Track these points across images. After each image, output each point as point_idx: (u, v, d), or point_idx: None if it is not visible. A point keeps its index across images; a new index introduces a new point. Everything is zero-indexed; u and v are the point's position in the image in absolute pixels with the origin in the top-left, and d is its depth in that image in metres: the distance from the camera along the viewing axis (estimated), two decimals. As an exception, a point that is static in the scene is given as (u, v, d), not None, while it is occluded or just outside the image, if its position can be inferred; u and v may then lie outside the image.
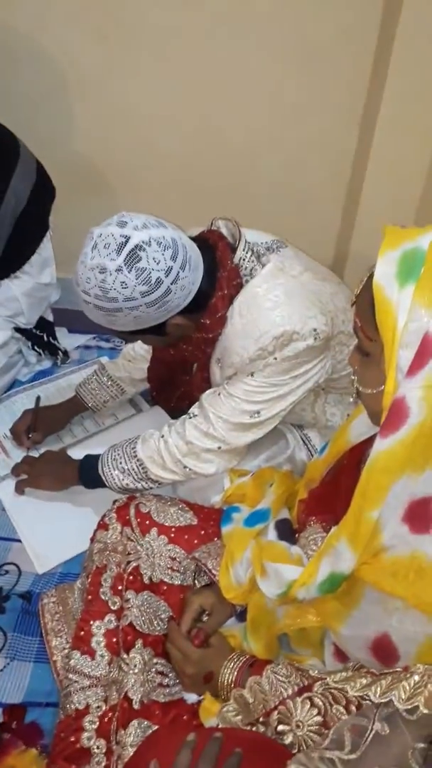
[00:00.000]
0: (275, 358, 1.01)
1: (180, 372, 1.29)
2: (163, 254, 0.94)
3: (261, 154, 1.74)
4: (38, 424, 1.45)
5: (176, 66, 1.60)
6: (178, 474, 1.15)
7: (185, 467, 1.13)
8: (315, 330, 1.01)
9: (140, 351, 1.44)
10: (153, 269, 0.94)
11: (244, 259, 1.05)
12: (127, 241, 0.93)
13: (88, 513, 1.30)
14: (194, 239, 1.05)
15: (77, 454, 1.30)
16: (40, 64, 1.62)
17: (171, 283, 0.96)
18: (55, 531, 1.31)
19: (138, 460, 1.15)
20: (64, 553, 1.28)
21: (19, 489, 1.35)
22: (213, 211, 1.17)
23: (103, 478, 1.18)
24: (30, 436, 1.44)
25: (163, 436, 1.15)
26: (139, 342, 1.45)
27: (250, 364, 1.03)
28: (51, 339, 1.74)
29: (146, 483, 1.17)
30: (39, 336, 1.70)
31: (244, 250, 1.05)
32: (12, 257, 1.53)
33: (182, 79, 1.63)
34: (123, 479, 1.16)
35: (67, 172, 1.77)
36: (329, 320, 1.05)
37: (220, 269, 1.04)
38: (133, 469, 1.15)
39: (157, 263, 0.94)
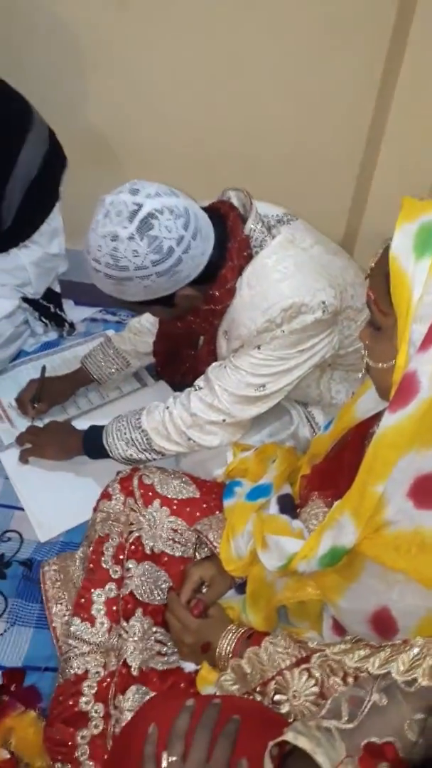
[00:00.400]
0: (283, 331, 1.01)
1: (186, 346, 1.28)
2: (175, 223, 0.93)
3: (273, 130, 1.71)
4: (43, 394, 1.45)
5: (193, 38, 1.57)
6: (182, 445, 1.15)
7: (189, 439, 1.13)
8: (324, 303, 1.00)
9: (146, 324, 1.44)
10: (165, 237, 0.93)
11: (254, 230, 1.03)
12: (139, 209, 0.92)
13: (90, 483, 1.30)
14: (205, 209, 1.04)
15: (82, 425, 1.30)
16: (56, 32, 1.58)
17: (182, 253, 0.95)
18: (57, 500, 1.31)
19: (142, 431, 1.15)
20: (65, 522, 1.29)
21: (23, 458, 1.36)
22: (224, 185, 1.16)
23: (107, 448, 1.18)
24: (35, 405, 1.44)
25: (167, 408, 1.14)
26: (146, 315, 1.44)
27: (257, 337, 1.02)
28: (58, 311, 1.74)
29: (150, 454, 1.17)
30: (46, 307, 1.69)
31: (254, 221, 1.04)
32: (22, 226, 1.51)
33: (198, 52, 1.60)
34: (127, 450, 1.16)
35: (79, 143, 1.74)
36: (338, 294, 1.04)
37: (230, 240, 1.02)
38: (138, 440, 1.15)
39: (169, 232, 0.93)
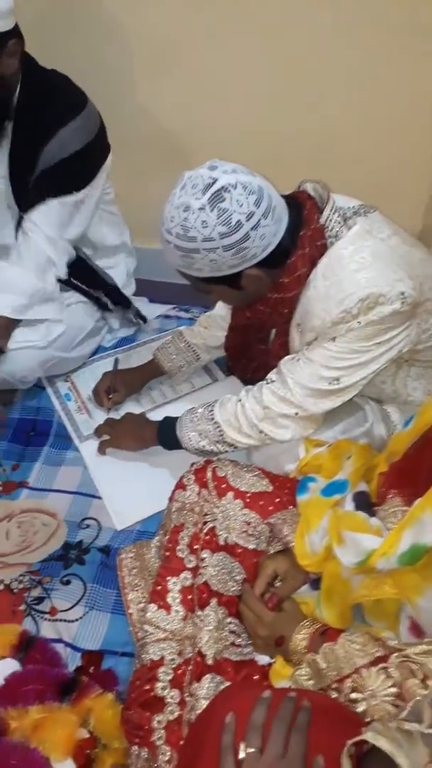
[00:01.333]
0: (359, 323, 0.99)
1: (256, 341, 1.28)
2: (247, 198, 0.94)
3: (346, 129, 1.68)
4: (117, 385, 1.50)
5: (265, 40, 1.56)
6: (254, 438, 1.15)
7: (261, 432, 1.13)
8: (402, 294, 0.98)
9: (217, 319, 1.45)
10: (235, 211, 0.93)
11: (330, 220, 1.02)
12: (214, 183, 0.94)
13: (165, 474, 1.33)
14: (282, 197, 1.03)
15: (155, 418, 1.33)
16: (131, 36, 1.62)
17: (251, 229, 0.95)
18: (133, 490, 1.35)
19: (215, 423, 1.16)
20: (141, 511, 1.32)
21: (101, 449, 1.40)
22: (294, 186, 1.15)
23: (181, 439, 1.20)
24: (110, 396, 1.49)
25: (240, 400, 1.15)
26: (217, 309, 1.46)
27: (332, 328, 1.01)
28: (115, 303, 1.71)
29: (222, 446, 1.18)
30: (85, 291, 1.65)
31: (331, 211, 1.02)
32: (28, 195, 1.46)
33: (270, 53, 1.59)
34: (199, 441, 1.18)
35: (149, 144, 1.78)
36: (417, 285, 1.01)
37: (304, 228, 1.01)
38: (210, 432, 1.17)
39: (240, 206, 0.94)
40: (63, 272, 1.47)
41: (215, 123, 1.74)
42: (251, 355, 1.35)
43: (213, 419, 1.17)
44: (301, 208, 1.03)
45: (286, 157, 1.74)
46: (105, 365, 1.67)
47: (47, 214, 1.40)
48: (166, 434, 1.24)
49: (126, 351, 1.73)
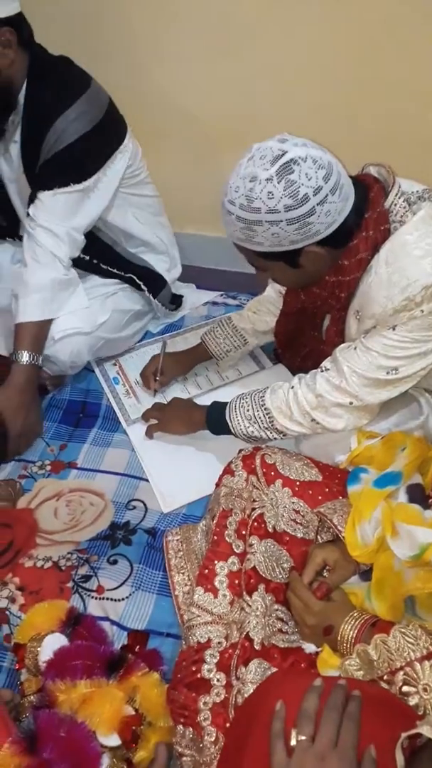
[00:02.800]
0: (422, 311, 0.96)
1: (309, 327, 1.26)
2: (316, 172, 0.92)
3: (409, 114, 1.63)
4: (164, 367, 1.51)
5: (331, 22, 1.52)
6: (305, 426, 1.14)
7: (313, 420, 1.12)
8: None
9: (266, 303, 1.44)
10: (303, 184, 0.92)
11: (395, 205, 0.99)
12: (283, 155, 0.92)
13: (212, 460, 1.33)
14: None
15: (202, 403, 1.33)
16: (190, 18, 1.61)
17: (317, 204, 0.93)
18: (180, 474, 1.36)
19: (266, 409, 1.15)
20: (188, 495, 1.33)
21: (149, 433, 1.42)
22: (354, 170, 1.13)
23: (230, 424, 1.20)
24: (157, 378, 1.50)
25: (292, 387, 1.14)
26: (267, 293, 1.44)
27: (393, 316, 0.98)
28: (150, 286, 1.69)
29: (271, 433, 1.17)
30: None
31: (396, 195, 1.00)
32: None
33: (331, 39, 1.56)
34: (248, 427, 1.17)
35: (205, 129, 1.77)
36: None
37: (369, 210, 0.99)
38: (260, 418, 1.16)
39: (309, 179, 0.92)
40: (67, 263, 1.44)
41: (271, 107, 1.72)
42: (302, 341, 1.33)
43: (264, 405, 1.16)
44: (368, 191, 1.01)
45: (346, 141, 1.70)
46: (152, 350, 1.68)
47: (48, 206, 1.37)
48: (215, 419, 1.24)
49: (173, 336, 1.73)
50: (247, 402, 1.19)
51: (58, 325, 1.44)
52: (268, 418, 1.16)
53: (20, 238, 1.54)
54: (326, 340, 1.19)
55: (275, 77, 1.66)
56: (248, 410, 1.18)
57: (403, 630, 0.82)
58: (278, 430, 1.16)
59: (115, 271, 1.60)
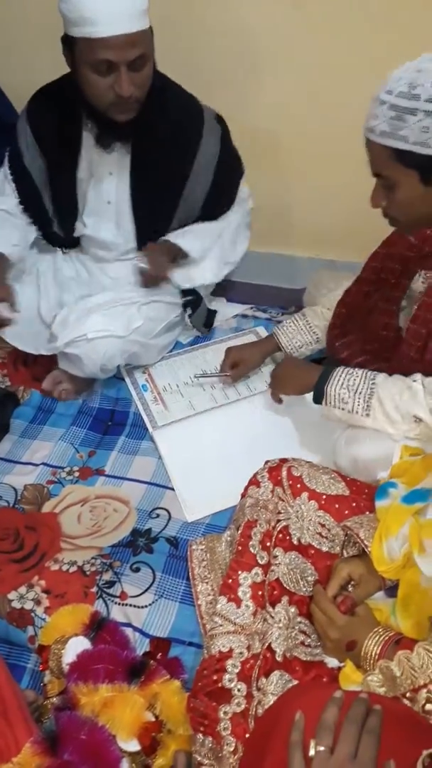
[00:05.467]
0: None
1: (381, 300, 1.24)
2: None
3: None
4: (238, 361, 1.55)
5: (374, 36, 1.54)
6: (398, 422, 1.11)
7: (416, 419, 1.09)
8: None
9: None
10: None
11: None
12: None
13: (238, 471, 1.32)
14: None
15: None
16: (229, 33, 1.64)
17: None
18: (206, 484, 1.37)
19: (374, 384, 1.13)
20: (212, 505, 1.33)
21: (275, 397, 1.45)
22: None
23: (328, 382, 1.18)
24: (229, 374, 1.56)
25: (415, 381, 1.11)
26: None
27: None
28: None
29: (358, 403, 1.14)
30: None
31: None
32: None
33: (369, 53, 1.57)
34: (341, 390, 1.16)
35: (250, 146, 1.79)
36: None
37: None
38: (361, 392, 1.14)
39: None
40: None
41: (310, 122, 1.74)
42: (362, 323, 1.29)
43: (373, 380, 1.14)
44: None
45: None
46: (182, 361, 1.70)
47: None
48: (321, 385, 1.21)
49: (203, 347, 1.75)
50: (357, 375, 1.17)
51: (92, 326, 1.47)
52: (370, 392, 1.13)
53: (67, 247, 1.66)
54: (408, 330, 1.15)
55: (311, 94, 1.68)
56: (356, 379, 1.16)
57: (427, 647, 0.81)
58: (367, 413, 1.14)
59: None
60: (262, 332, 1.76)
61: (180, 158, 1.49)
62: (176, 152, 1.48)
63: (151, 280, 1.57)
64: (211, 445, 1.43)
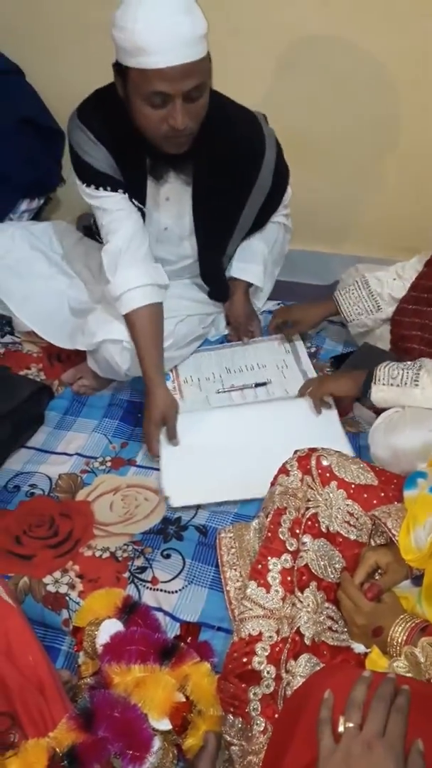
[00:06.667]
0: None
1: None
2: None
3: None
4: (293, 319, 1.60)
5: (402, 32, 1.54)
6: None
7: None
8: None
9: (411, 271, 1.44)
10: None
11: None
12: None
13: (233, 469, 1.36)
14: None
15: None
16: (259, 32, 1.66)
17: None
18: (194, 474, 1.39)
19: (422, 360, 1.18)
20: (196, 495, 1.36)
21: (318, 403, 1.45)
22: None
23: (378, 371, 1.22)
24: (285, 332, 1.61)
25: None
26: (413, 262, 1.44)
27: None
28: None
29: (410, 384, 1.17)
30: None
31: None
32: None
33: (394, 52, 1.57)
34: (393, 372, 1.20)
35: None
36: None
37: None
38: (410, 367, 1.18)
39: None
40: None
41: (337, 119, 1.75)
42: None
43: (420, 366, 1.18)
44: None
45: (410, 154, 1.72)
46: (209, 356, 1.73)
47: None
48: (369, 378, 1.25)
49: (230, 348, 1.77)
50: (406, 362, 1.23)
51: (123, 332, 1.45)
52: (419, 364, 1.18)
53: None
54: None
55: (337, 92, 1.69)
56: (404, 363, 1.22)
57: None
58: (417, 376, 1.17)
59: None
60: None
61: (245, 177, 1.47)
62: (241, 172, 1.46)
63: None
64: (212, 440, 1.43)
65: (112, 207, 1.40)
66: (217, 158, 1.39)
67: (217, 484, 1.35)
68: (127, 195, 1.41)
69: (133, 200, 1.42)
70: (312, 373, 1.62)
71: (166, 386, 1.45)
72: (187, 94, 1.18)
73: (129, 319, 1.41)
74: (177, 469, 1.41)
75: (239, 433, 1.45)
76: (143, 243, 1.43)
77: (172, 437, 1.43)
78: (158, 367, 1.43)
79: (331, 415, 1.45)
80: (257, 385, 1.62)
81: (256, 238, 1.66)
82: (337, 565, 1.03)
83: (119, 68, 1.22)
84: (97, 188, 1.39)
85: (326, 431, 1.40)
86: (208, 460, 1.40)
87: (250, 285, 1.70)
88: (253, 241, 1.66)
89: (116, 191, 1.40)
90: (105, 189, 1.39)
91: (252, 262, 1.66)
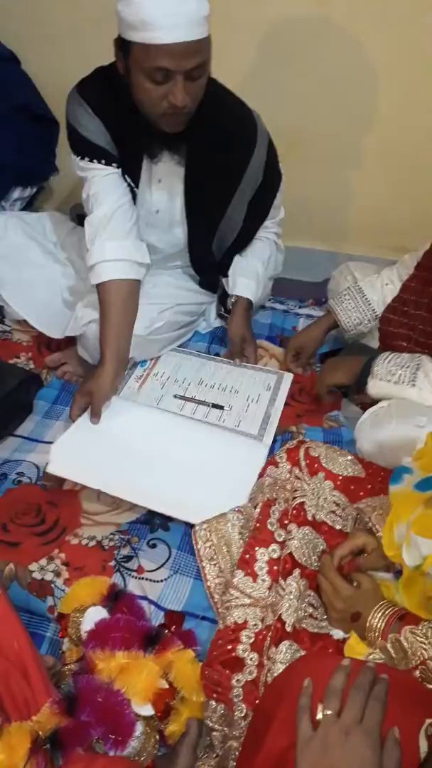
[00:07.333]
0: None
1: None
2: None
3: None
4: (301, 346, 1.58)
5: (399, 32, 1.55)
6: None
7: None
8: None
9: (403, 271, 1.45)
10: None
11: None
12: None
13: (132, 473, 1.33)
14: None
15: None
16: (256, 30, 1.66)
17: None
18: (90, 456, 1.37)
19: (419, 359, 1.18)
20: (76, 474, 1.35)
21: (320, 392, 1.46)
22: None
23: (376, 366, 1.23)
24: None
25: None
26: (404, 259, 1.45)
27: None
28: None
29: (407, 383, 1.19)
30: None
31: None
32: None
33: (394, 51, 1.58)
34: (386, 369, 1.21)
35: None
36: None
37: None
38: (408, 366, 1.19)
39: None
40: None
41: (333, 118, 1.76)
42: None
43: (419, 357, 1.20)
44: None
45: (406, 153, 1.72)
46: (191, 363, 1.70)
47: None
48: (367, 367, 1.26)
49: (217, 363, 1.73)
50: (404, 355, 1.24)
51: None
52: (413, 376, 1.19)
53: None
54: None
55: (334, 92, 1.69)
56: (403, 359, 1.22)
57: (413, 630, 0.85)
58: (415, 377, 1.19)
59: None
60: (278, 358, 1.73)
61: (236, 166, 1.48)
62: (232, 161, 1.47)
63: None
64: (129, 435, 1.40)
65: (101, 179, 1.40)
66: (211, 141, 1.40)
67: (103, 473, 1.31)
68: (119, 171, 1.41)
69: (126, 177, 1.42)
70: (276, 418, 1.51)
71: (113, 369, 1.41)
72: (189, 72, 1.19)
73: (99, 292, 1.39)
74: (77, 440, 1.37)
75: (159, 441, 1.40)
76: (128, 219, 1.43)
77: (93, 416, 1.41)
78: (114, 346, 1.40)
79: (258, 460, 1.31)
80: (214, 406, 1.56)
81: (250, 256, 1.67)
82: (321, 554, 1.05)
83: (122, 43, 1.22)
84: (90, 160, 1.40)
85: (240, 474, 1.29)
86: (110, 449, 1.37)
87: (251, 304, 1.67)
88: (248, 259, 1.67)
89: (110, 165, 1.40)
90: (99, 162, 1.39)
91: (245, 277, 1.65)
